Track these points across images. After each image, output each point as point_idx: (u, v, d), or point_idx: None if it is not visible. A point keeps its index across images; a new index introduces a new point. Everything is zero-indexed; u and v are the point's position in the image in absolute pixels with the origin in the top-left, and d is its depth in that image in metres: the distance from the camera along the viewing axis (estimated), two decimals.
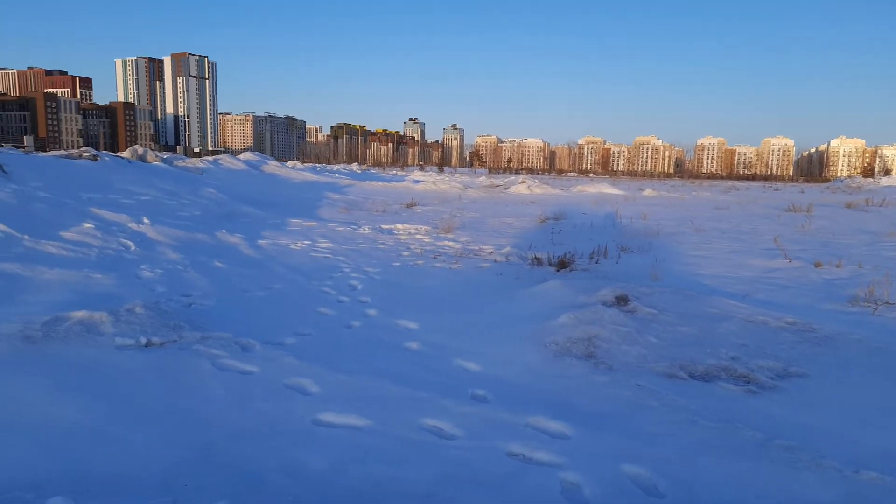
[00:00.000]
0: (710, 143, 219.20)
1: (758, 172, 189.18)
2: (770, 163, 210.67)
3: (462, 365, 5.65)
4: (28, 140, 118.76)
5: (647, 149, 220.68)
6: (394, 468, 3.60)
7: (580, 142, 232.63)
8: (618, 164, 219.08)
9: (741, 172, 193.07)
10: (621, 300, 6.91)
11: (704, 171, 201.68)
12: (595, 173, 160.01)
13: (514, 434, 4.11)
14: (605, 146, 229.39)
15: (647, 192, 38.04)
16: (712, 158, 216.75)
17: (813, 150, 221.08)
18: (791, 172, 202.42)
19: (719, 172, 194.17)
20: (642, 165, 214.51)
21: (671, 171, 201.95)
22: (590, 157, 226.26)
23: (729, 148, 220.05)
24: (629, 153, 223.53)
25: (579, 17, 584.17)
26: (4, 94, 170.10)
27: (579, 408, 4.66)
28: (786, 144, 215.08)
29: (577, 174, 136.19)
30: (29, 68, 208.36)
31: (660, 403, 4.65)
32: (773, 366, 5.46)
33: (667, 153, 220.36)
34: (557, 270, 9.91)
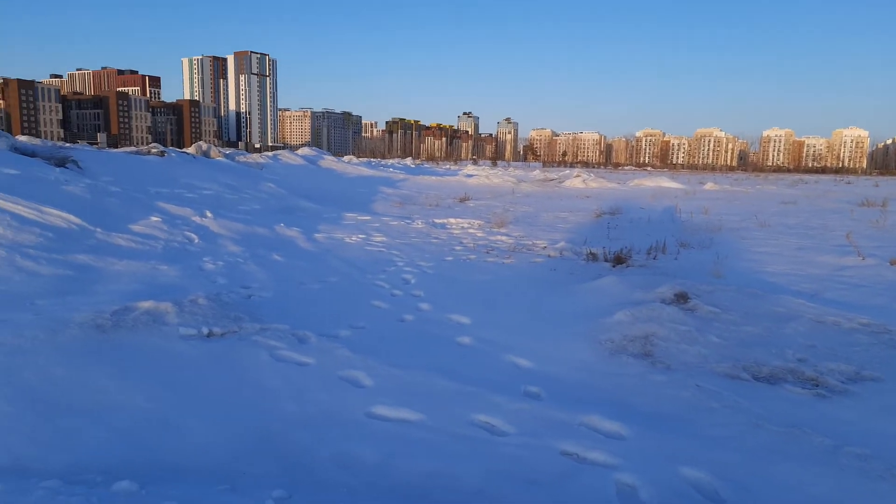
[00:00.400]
0: (776, 135, 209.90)
1: (828, 165, 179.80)
2: (842, 155, 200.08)
3: (514, 361, 5.60)
4: (101, 137, 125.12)
5: (709, 141, 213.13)
6: (445, 463, 3.60)
7: (638, 134, 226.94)
8: (677, 158, 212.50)
9: (810, 165, 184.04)
10: (681, 298, 6.70)
11: (770, 164, 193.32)
12: (653, 167, 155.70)
13: (568, 433, 4.04)
14: (665, 139, 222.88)
15: (709, 185, 36.77)
16: (779, 151, 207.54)
17: (889, 142, 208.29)
18: (864, 165, 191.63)
19: (786, 165, 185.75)
20: (703, 158, 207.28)
21: (734, 164, 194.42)
22: (648, 151, 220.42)
23: (797, 140, 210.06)
24: (689, 146, 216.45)
25: (635, 5, 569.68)
26: (80, 94, 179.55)
27: (636, 408, 4.54)
28: (859, 136, 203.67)
29: (634, 168, 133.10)
30: (103, 68, 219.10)
31: (721, 405, 4.48)
32: (845, 369, 5.18)
33: (730, 145, 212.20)
34: (613, 266, 9.70)
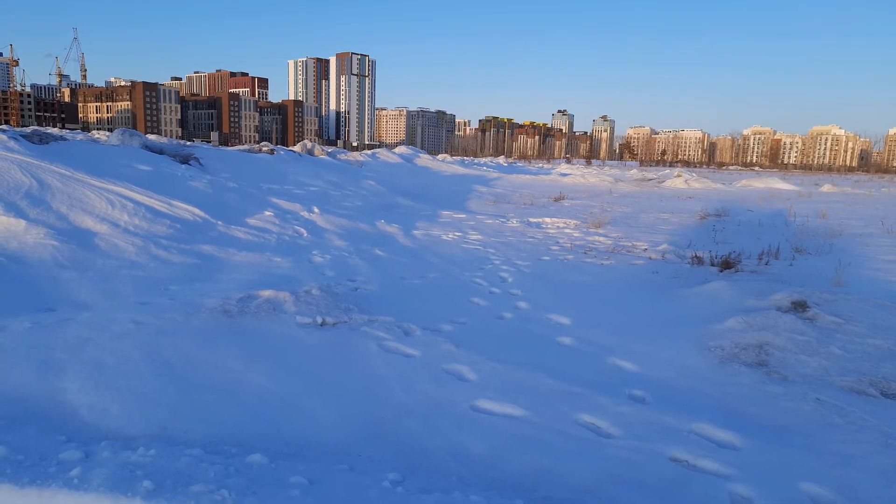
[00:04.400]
0: None
1: None
2: None
3: (617, 364, 5.53)
4: (214, 136, 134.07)
5: (826, 140, 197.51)
6: (552, 460, 3.64)
7: (745, 132, 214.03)
8: (789, 157, 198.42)
9: None
10: (798, 306, 6.33)
11: None
12: (762, 166, 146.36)
13: (677, 439, 3.96)
14: (775, 137, 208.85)
15: (826, 187, 34.19)
16: None
17: None
18: None
19: None
20: (819, 158, 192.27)
21: (854, 164, 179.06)
22: (756, 150, 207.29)
23: None
24: (803, 144, 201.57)
25: None
26: (197, 95, 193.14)
27: (749, 418, 4.38)
28: None
29: (740, 167, 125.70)
30: (217, 71, 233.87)
31: (845, 421, 4.23)
32: None
33: (850, 144, 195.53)
34: (721, 271, 9.29)
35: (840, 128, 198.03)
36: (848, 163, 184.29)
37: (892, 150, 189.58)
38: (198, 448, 3.43)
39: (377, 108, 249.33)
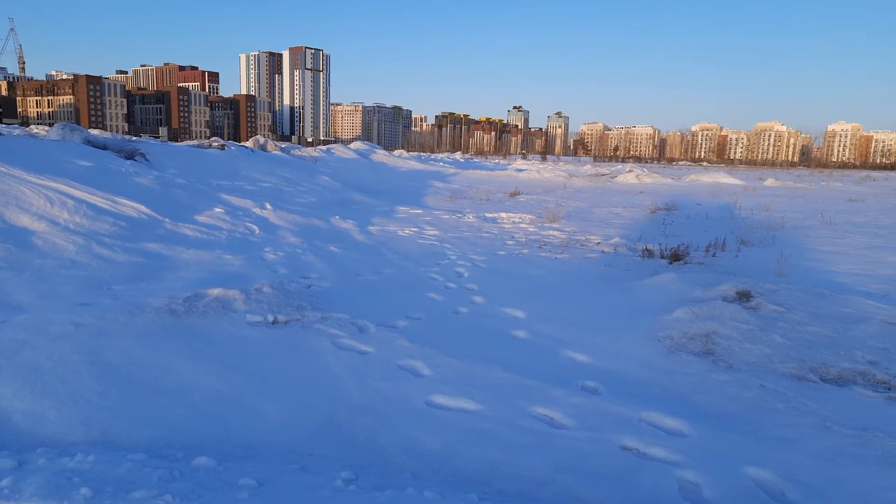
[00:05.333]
0: (842, 130, 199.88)
1: None
2: None
3: (571, 356, 5.60)
4: (163, 131, 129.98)
5: (769, 136, 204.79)
6: (506, 453, 3.66)
7: (694, 128, 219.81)
8: (735, 153, 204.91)
9: (879, 161, 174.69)
10: (743, 296, 6.54)
11: (835, 159, 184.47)
12: (709, 162, 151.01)
13: (628, 428, 4.03)
14: (722, 133, 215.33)
15: (769, 181, 35.49)
16: (844, 146, 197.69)
17: None
18: None
19: (852, 161, 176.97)
20: (763, 154, 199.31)
21: (796, 159, 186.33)
22: (704, 145, 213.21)
23: (865, 134, 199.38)
24: (748, 140, 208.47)
25: None
26: (144, 89, 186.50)
27: (697, 406, 4.49)
28: None
29: (689, 163, 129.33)
30: (165, 64, 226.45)
31: (787, 406, 4.38)
32: None
33: (791, 140, 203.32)
34: (670, 263, 9.53)
35: (783, 124, 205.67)
36: (790, 158, 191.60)
37: (831, 146, 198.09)
38: (141, 453, 3.31)
39: (332, 104, 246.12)
